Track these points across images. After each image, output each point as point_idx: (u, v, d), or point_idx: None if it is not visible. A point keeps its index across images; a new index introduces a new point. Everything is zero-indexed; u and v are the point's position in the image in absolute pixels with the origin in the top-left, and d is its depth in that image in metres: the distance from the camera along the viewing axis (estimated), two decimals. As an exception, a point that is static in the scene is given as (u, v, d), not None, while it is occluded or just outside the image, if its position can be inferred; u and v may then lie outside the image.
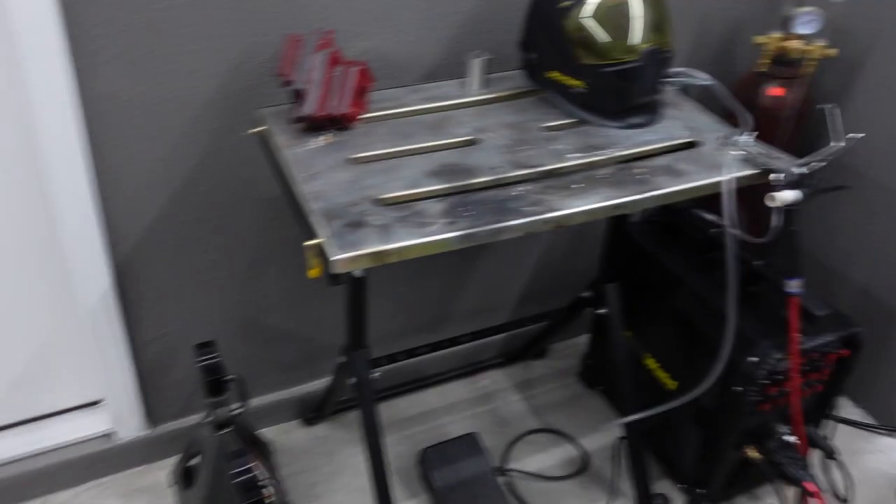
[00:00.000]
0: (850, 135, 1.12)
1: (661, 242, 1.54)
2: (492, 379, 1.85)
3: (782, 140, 1.60)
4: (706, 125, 1.22)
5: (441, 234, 0.94)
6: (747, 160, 1.13)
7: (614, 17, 1.14)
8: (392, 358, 1.56)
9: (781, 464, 1.37)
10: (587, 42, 1.15)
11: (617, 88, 1.16)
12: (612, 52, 1.14)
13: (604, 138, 1.17)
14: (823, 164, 1.09)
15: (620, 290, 1.51)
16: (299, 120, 1.14)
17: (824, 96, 1.67)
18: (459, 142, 1.16)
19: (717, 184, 1.08)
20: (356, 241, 0.92)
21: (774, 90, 1.55)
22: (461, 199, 1.01)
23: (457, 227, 0.95)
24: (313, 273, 0.95)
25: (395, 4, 1.31)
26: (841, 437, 1.69)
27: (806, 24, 1.45)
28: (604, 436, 1.69)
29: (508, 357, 1.89)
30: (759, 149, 1.12)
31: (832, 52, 1.47)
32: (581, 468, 1.63)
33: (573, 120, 1.22)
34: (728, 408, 1.35)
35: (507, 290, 1.83)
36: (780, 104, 1.56)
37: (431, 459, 1.56)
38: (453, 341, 1.70)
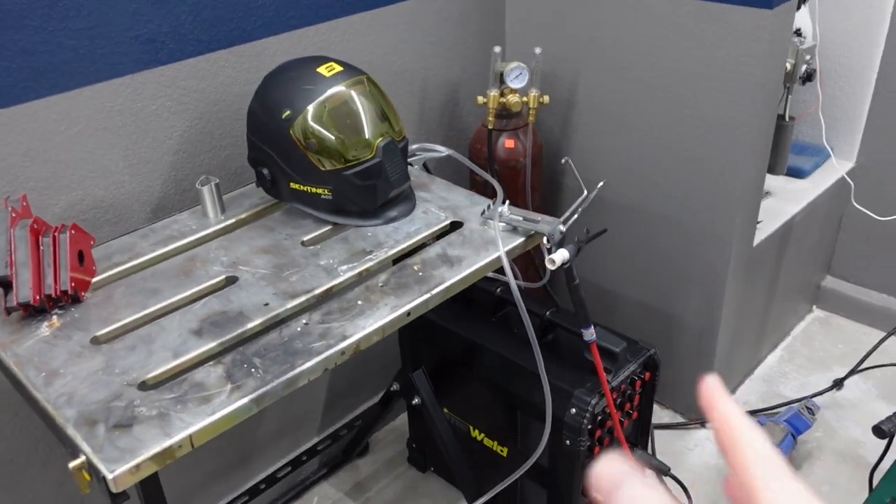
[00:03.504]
0: (599, 184, 1.24)
1: (453, 313, 1.59)
2: (321, 494, 1.78)
3: (524, 186, 1.74)
4: (459, 201, 1.29)
5: (231, 405, 0.87)
6: (514, 230, 1.20)
7: (340, 118, 1.16)
8: None
9: (623, 498, 1.46)
10: (320, 148, 1.16)
11: (364, 189, 1.18)
12: (348, 153, 1.16)
13: (368, 240, 1.18)
14: (576, 216, 1.20)
15: (427, 374, 1.53)
16: (13, 311, 1.00)
17: (552, 137, 1.86)
18: (215, 284, 1.10)
19: (496, 261, 1.14)
20: (132, 446, 0.82)
21: (507, 142, 1.69)
22: (241, 354, 0.95)
23: (245, 390, 0.89)
24: (88, 490, 0.83)
25: (92, 146, 1.22)
26: (660, 443, 1.86)
27: (516, 78, 1.61)
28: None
29: (331, 465, 1.82)
30: (518, 215, 1.20)
31: (546, 98, 1.64)
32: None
33: (329, 227, 1.22)
34: (563, 462, 1.42)
35: (309, 398, 1.77)
36: (515, 155, 1.70)
37: None
38: (270, 479, 1.61)
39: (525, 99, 1.65)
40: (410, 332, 1.51)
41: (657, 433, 1.89)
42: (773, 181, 2.04)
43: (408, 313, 1.04)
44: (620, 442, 1.44)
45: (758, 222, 1.83)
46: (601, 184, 1.25)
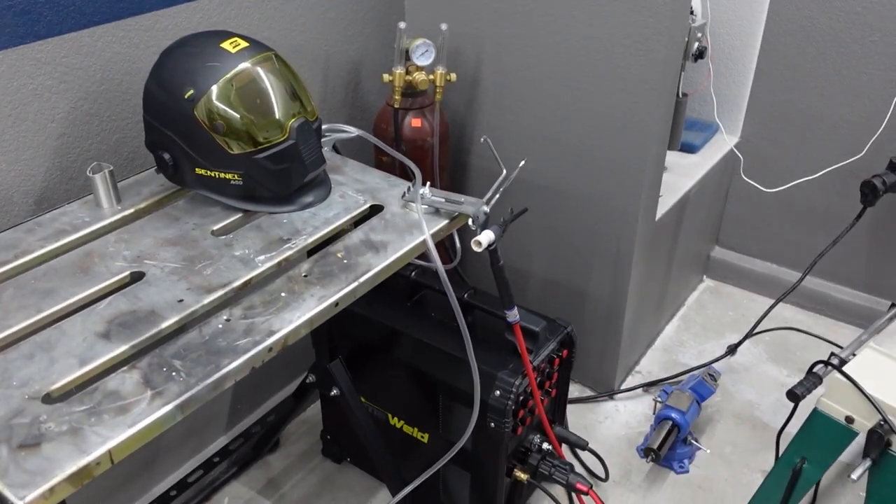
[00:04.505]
0: (521, 163, 1.23)
1: (367, 298, 1.54)
2: (232, 494, 1.70)
3: (432, 166, 1.72)
4: (377, 184, 1.24)
5: (154, 414, 0.80)
6: (436, 212, 1.17)
7: (249, 97, 1.09)
8: None
9: (549, 475, 1.48)
10: (229, 130, 1.08)
11: (277, 173, 1.12)
12: (259, 135, 1.09)
13: (284, 227, 1.12)
14: (497, 195, 1.19)
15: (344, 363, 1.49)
16: None
17: (458, 116, 1.84)
18: (120, 281, 1.01)
19: (421, 245, 1.10)
20: (43, 467, 0.74)
21: (414, 121, 1.66)
22: (158, 357, 0.88)
23: (168, 395, 0.82)
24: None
25: (-35, 131, 1.09)
26: (572, 418, 1.89)
27: (422, 55, 1.57)
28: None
29: (241, 463, 1.74)
30: (440, 197, 1.17)
31: (452, 76, 1.62)
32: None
33: (239, 214, 1.15)
34: (488, 444, 1.41)
35: (217, 397, 1.68)
36: (422, 134, 1.67)
37: None
38: (182, 485, 1.52)
39: (431, 77, 1.61)
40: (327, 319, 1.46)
41: (570, 408, 1.93)
42: (667, 156, 2.11)
43: (336, 303, 0.99)
44: (542, 421, 1.45)
45: (658, 197, 1.88)
46: (522, 163, 1.24)
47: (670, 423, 1.71)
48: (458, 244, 1.84)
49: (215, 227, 1.12)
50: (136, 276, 1.02)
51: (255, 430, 1.75)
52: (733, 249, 2.40)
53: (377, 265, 1.05)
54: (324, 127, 1.37)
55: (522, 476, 1.48)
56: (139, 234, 1.10)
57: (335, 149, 1.39)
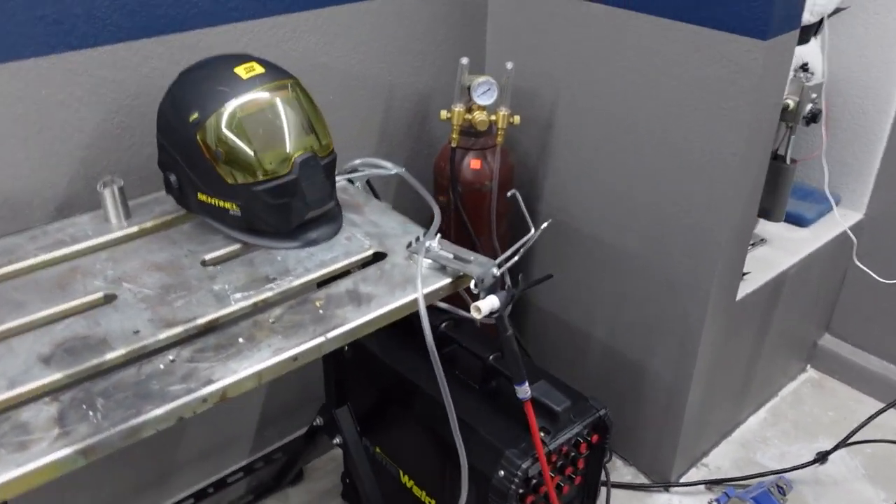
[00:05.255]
0: (543, 225, 1.11)
1: (396, 344, 1.47)
2: (241, 526, 1.66)
3: (489, 212, 1.61)
4: (392, 228, 1.16)
5: (50, 456, 0.75)
6: (443, 268, 1.07)
7: (254, 126, 1.04)
8: None
9: (559, 570, 1.32)
10: (231, 158, 1.03)
11: (276, 207, 1.06)
12: (261, 167, 1.04)
13: (276, 265, 1.06)
14: (517, 257, 1.07)
15: (358, 407, 1.40)
16: None
17: (529, 161, 1.72)
18: (89, 302, 0.98)
19: (412, 304, 1.01)
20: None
21: (473, 162, 1.56)
22: (84, 392, 0.83)
23: (74, 437, 0.77)
24: None
25: (-13, 136, 1.11)
26: (617, 503, 1.72)
27: (483, 94, 1.47)
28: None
29: (259, 492, 1.70)
30: (449, 251, 1.07)
31: (516, 119, 1.51)
32: None
33: (238, 245, 1.10)
34: (490, 527, 1.28)
35: (239, 418, 1.65)
36: (481, 177, 1.57)
37: None
38: (197, 496, 1.49)
39: (493, 117, 1.51)
40: (337, 361, 1.39)
41: (617, 493, 1.75)
42: (770, 227, 1.89)
43: (294, 358, 0.91)
44: (556, 510, 1.30)
45: (744, 274, 1.68)
46: (545, 225, 1.12)
47: (721, 533, 1.50)
48: (507, 284, 1.73)
49: (208, 257, 1.08)
50: (109, 299, 0.98)
51: (277, 457, 1.70)
52: (845, 340, 2.12)
53: (353, 321, 0.96)
54: (359, 161, 1.32)
55: (531, 567, 1.33)
56: (132, 254, 1.07)
57: (369, 185, 1.32)
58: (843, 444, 1.83)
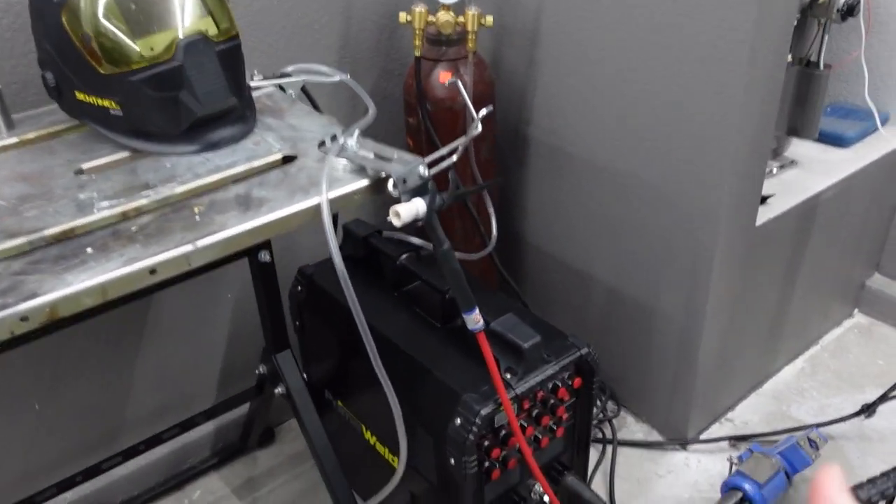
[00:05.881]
0: (483, 111, 0.90)
1: (353, 282, 1.28)
2: (205, 487, 1.51)
3: (466, 132, 1.41)
4: (313, 133, 0.97)
5: None
6: (363, 171, 0.88)
7: (128, 1, 0.86)
8: (67, 483, 1.18)
9: (540, 537, 1.14)
10: (101, 43, 0.86)
11: (161, 103, 0.88)
12: (135, 52, 0.86)
13: (161, 171, 0.89)
14: (455, 157, 0.87)
15: (317, 356, 1.23)
16: None
17: (515, 77, 1.51)
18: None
19: (315, 210, 0.82)
20: None
21: (443, 75, 1.36)
22: None
23: None
24: None
25: None
26: (625, 465, 1.51)
27: (446, -13, 1.27)
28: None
29: (225, 454, 1.55)
30: (370, 151, 0.88)
31: (487, 19, 1.29)
32: None
33: (127, 154, 0.93)
34: (451, 486, 1.09)
35: (200, 373, 1.50)
36: (452, 93, 1.36)
37: None
38: (156, 439, 1.34)
39: (461, 19, 1.31)
40: (272, 295, 1.21)
41: (624, 451, 1.54)
42: (802, 150, 1.64)
43: (152, 270, 0.73)
44: (529, 465, 1.10)
45: (767, 197, 1.44)
46: (484, 111, 0.90)
47: (739, 495, 1.28)
48: (494, 225, 1.52)
49: (86, 166, 0.91)
50: (-45, 216, 0.82)
51: (221, 413, 1.50)
52: (898, 280, 1.86)
53: (231, 228, 0.78)
54: (293, 67, 1.14)
55: (505, 533, 1.14)
56: (1, 165, 0.92)
57: (306, 94, 1.14)
58: (893, 394, 1.59)
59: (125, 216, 0.81)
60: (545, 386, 1.10)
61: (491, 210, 1.51)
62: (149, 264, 0.73)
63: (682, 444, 1.54)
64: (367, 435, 1.29)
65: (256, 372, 1.26)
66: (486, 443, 1.06)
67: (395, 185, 0.84)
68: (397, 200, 0.85)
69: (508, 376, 1.06)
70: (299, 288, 1.32)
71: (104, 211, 0.81)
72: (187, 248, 0.75)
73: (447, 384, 1.07)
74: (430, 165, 0.88)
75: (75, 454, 1.37)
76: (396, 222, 0.84)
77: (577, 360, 1.12)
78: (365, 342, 0.91)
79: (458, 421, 1.03)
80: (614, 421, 1.59)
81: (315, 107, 1.13)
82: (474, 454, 1.03)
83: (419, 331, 1.18)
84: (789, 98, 1.53)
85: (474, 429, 1.01)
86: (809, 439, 1.36)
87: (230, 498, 1.48)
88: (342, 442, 1.28)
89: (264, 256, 1.10)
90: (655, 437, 1.58)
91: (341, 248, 1.15)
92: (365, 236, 1.28)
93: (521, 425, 1.08)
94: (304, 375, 1.25)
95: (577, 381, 1.14)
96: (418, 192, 0.85)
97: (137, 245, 0.75)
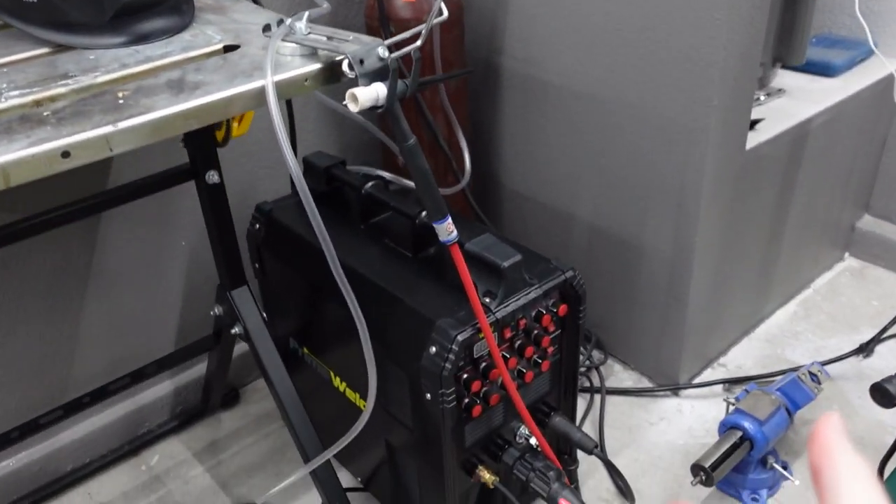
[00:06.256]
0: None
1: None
2: (164, 452, 1.41)
3: (433, 58, 1.31)
4: (258, 25, 0.86)
5: None
6: (315, 54, 0.78)
7: None
8: (2, 440, 1.08)
9: (526, 480, 1.04)
10: None
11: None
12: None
13: (83, 63, 0.78)
14: (419, 43, 0.77)
15: (279, 300, 1.13)
16: None
17: (485, 2, 1.41)
18: None
19: (257, 95, 0.72)
20: None
21: (406, -7, 1.26)
22: None
23: None
24: None
25: None
26: (614, 413, 1.42)
27: None
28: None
29: (185, 417, 1.44)
30: (324, 34, 0.78)
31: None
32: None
33: (48, 49, 0.82)
34: (427, 424, 1.00)
35: (153, 328, 1.39)
36: (418, 14, 1.26)
37: None
38: (102, 391, 1.22)
39: (424, -72, 1.21)
40: (224, 225, 1.10)
41: (614, 400, 1.45)
42: (789, 78, 1.56)
43: (65, 153, 0.62)
44: (514, 401, 1.00)
45: (756, 121, 1.36)
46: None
47: (739, 434, 1.20)
48: (467, 159, 1.43)
49: (10, 59, 0.80)
50: None
51: (176, 364, 1.37)
52: (889, 219, 1.79)
53: (158, 110, 0.67)
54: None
55: (487, 477, 1.04)
56: None
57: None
58: (889, 332, 1.51)
59: (37, 104, 0.70)
60: (528, 313, 1.00)
61: (463, 143, 1.42)
62: (60, 145, 0.62)
63: (674, 389, 1.46)
64: (337, 382, 1.19)
65: (211, 313, 1.15)
66: (465, 375, 0.97)
67: (350, 66, 0.73)
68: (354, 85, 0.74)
69: (487, 300, 0.96)
70: (257, 226, 1.22)
71: (13, 100, 0.70)
72: (107, 128, 0.64)
73: (420, 312, 0.98)
74: (393, 50, 0.77)
75: (18, 415, 1.25)
76: (353, 107, 0.74)
77: (561, 285, 1.03)
78: (333, 271, 0.80)
79: (433, 349, 0.93)
80: (601, 368, 1.50)
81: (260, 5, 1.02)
82: (452, 386, 0.94)
83: (390, 262, 1.08)
84: (775, 27, 1.44)
85: (451, 356, 0.92)
86: (811, 373, 1.27)
87: (192, 462, 1.37)
88: (311, 396, 1.17)
89: (212, 177, 0.99)
90: (645, 384, 1.49)
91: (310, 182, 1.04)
92: (327, 166, 1.18)
93: (504, 356, 0.99)
94: (266, 319, 1.14)
95: (563, 309, 1.05)
96: (379, 76, 0.75)
97: (48, 127, 0.64)
